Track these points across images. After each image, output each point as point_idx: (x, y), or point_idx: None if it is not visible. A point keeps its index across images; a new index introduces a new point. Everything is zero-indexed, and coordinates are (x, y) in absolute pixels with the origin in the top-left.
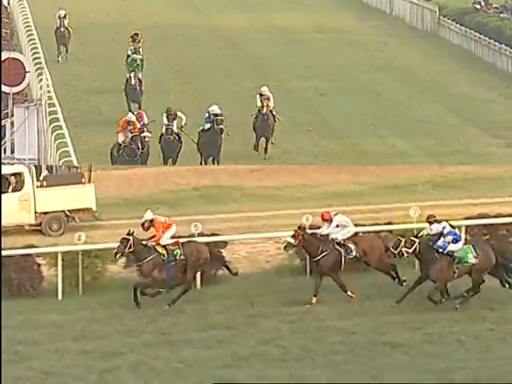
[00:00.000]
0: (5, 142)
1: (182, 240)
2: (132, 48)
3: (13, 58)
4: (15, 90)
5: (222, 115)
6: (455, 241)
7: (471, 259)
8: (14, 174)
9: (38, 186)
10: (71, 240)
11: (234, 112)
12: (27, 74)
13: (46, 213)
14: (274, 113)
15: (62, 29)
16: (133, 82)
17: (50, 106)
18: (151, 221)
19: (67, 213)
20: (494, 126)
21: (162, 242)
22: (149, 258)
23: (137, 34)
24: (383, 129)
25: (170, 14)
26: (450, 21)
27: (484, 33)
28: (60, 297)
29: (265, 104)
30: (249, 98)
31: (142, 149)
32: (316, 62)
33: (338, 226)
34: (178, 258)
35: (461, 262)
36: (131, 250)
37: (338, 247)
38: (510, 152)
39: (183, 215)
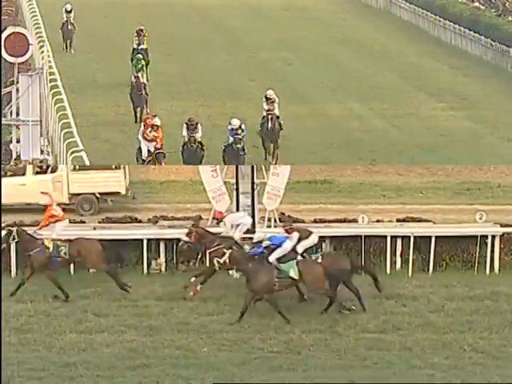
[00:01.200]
0: (11, 106)
1: (72, 238)
2: (137, 41)
3: (18, 32)
4: (20, 60)
5: (242, 129)
6: (280, 253)
7: (293, 274)
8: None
9: (71, 170)
10: None
11: (210, 79)
12: (30, 46)
13: (78, 194)
14: (280, 120)
15: (69, 26)
16: (141, 81)
17: (50, 75)
18: (46, 206)
19: (97, 195)
20: (439, 91)
21: (54, 235)
22: (35, 251)
23: (141, 30)
24: (343, 94)
25: None
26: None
27: (430, 10)
28: None
29: (270, 115)
30: (224, 67)
31: (160, 164)
32: (284, 35)
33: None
34: (61, 254)
35: (283, 275)
36: (16, 240)
37: (237, 245)
38: (453, 114)
39: None
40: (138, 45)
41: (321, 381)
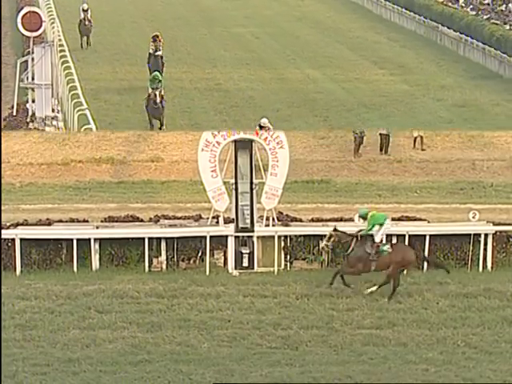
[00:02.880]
0: (27, 72)
1: None
2: (153, 47)
3: (33, 11)
4: (35, 34)
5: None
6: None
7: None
8: None
9: None
10: None
11: (192, 50)
12: (43, 23)
13: None
14: None
15: (86, 22)
16: (157, 99)
17: (60, 46)
18: None
19: None
20: (381, 60)
21: None
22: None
23: (157, 36)
24: (301, 62)
25: None
26: None
27: None
28: None
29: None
30: (202, 40)
31: None
32: (252, 13)
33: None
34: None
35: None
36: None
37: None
38: (392, 79)
39: None
40: (155, 51)
41: (318, 375)
